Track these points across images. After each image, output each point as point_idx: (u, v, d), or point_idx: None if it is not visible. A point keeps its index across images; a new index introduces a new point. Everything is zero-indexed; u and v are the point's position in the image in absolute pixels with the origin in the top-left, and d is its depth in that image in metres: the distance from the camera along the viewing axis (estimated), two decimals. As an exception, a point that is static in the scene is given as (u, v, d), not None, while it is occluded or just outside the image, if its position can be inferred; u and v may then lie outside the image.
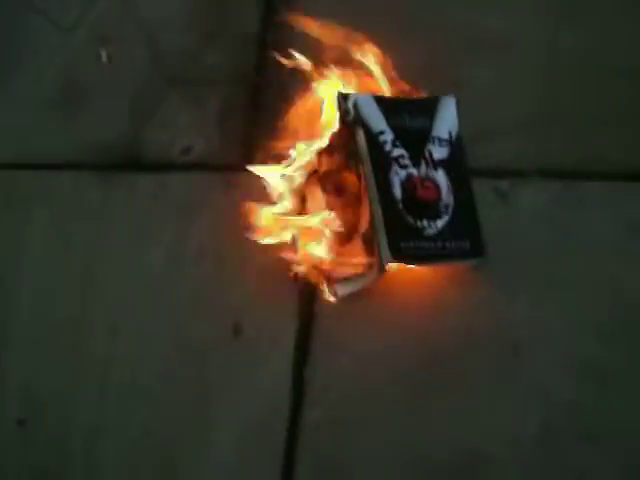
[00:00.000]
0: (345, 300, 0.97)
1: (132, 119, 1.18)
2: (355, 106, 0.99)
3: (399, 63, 1.07)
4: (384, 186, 0.96)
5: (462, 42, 1.11)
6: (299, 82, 1.10)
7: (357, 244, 0.96)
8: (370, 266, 0.95)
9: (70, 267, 1.09)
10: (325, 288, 0.98)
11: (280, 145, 1.07)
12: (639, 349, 0.90)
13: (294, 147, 1.02)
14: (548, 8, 1.13)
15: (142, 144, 1.16)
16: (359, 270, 0.96)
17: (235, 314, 1.01)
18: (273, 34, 1.19)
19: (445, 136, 1.00)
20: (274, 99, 1.13)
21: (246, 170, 1.07)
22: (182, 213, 1.09)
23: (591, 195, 0.99)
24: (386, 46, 1.08)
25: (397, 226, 0.94)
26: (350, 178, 0.98)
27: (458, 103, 1.02)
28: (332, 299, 0.97)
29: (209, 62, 1.20)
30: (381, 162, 0.97)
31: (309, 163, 1.00)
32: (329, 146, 0.99)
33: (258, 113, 1.14)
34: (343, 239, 0.97)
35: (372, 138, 0.98)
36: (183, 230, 1.08)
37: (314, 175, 1.00)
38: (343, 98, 1.00)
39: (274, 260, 1.01)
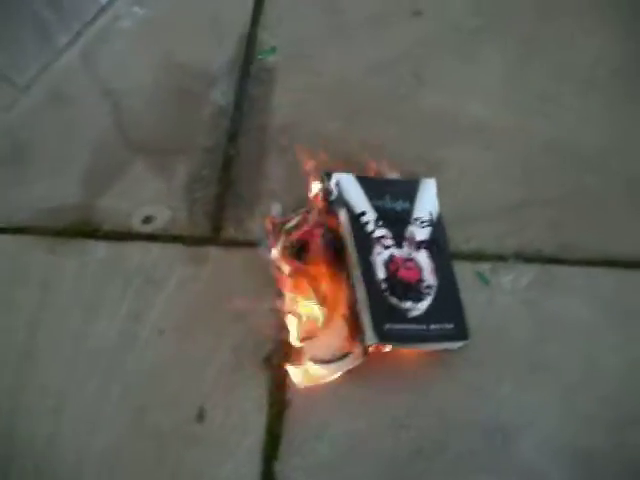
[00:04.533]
0: (322, 385, 0.98)
1: (89, 184, 1.19)
2: (338, 185, 1.05)
3: (378, 147, 1.16)
4: (367, 266, 1.00)
5: (440, 126, 1.20)
6: (275, 153, 1.17)
7: (338, 325, 0.98)
8: (351, 348, 0.97)
9: (9, 338, 1.05)
10: (297, 372, 0.99)
11: (253, 219, 1.11)
12: (627, 437, 0.95)
13: (269, 222, 1.06)
14: (520, 97, 1.24)
15: (99, 210, 1.16)
16: (339, 352, 0.97)
17: (199, 397, 0.99)
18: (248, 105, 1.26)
19: (426, 217, 1.07)
20: (247, 170, 1.18)
21: (214, 244, 1.11)
22: (141, 286, 1.09)
23: (569, 280, 1.06)
24: (364, 131, 1.18)
25: (381, 307, 0.98)
26: (332, 257, 1.01)
27: (438, 185, 1.10)
28: (303, 385, 0.98)
29: (178, 130, 1.24)
30: (364, 242, 1.02)
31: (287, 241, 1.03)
32: (310, 224, 1.03)
33: (229, 184, 1.17)
34: (323, 319, 0.99)
35: (355, 218, 1.03)
36: (142, 304, 1.07)
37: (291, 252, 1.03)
38: (326, 177, 1.05)
39: (244, 340, 1.02)
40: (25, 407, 1.00)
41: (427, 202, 1.08)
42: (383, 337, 0.95)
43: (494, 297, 1.05)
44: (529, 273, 1.06)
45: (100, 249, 1.13)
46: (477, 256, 1.08)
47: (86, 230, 1.15)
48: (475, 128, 1.21)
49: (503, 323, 1.03)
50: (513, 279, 1.06)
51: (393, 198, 1.07)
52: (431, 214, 1.07)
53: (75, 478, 0.95)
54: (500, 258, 1.08)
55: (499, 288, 1.06)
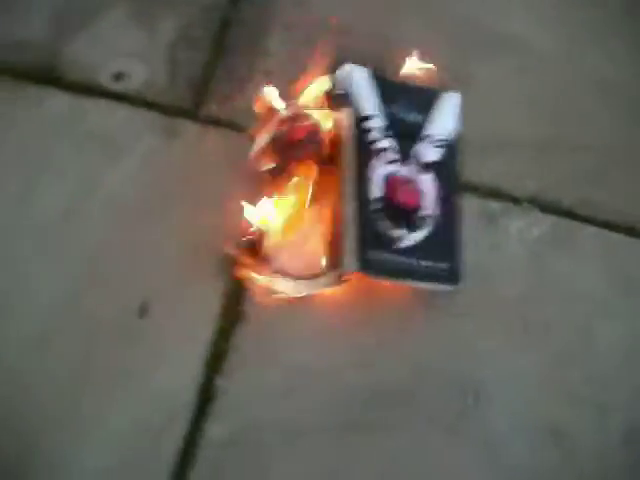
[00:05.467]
0: (284, 303, 0.87)
1: (58, 23, 1.02)
2: (348, 78, 0.90)
3: (400, 45, 1.00)
4: (362, 179, 0.87)
5: (476, 36, 1.05)
6: (280, 28, 1.01)
7: (316, 240, 0.87)
8: (326, 269, 0.86)
9: None
10: (260, 283, 0.87)
11: (242, 98, 0.96)
12: (608, 423, 0.87)
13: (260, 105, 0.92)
14: (578, 22, 1.08)
15: (65, 56, 1.00)
16: (311, 270, 0.86)
17: (143, 290, 0.88)
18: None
19: (441, 136, 0.93)
20: (245, 41, 1.02)
21: (192, 119, 0.96)
22: (99, 152, 0.95)
23: (585, 240, 0.95)
24: (387, 25, 1.03)
25: (369, 230, 0.86)
26: (324, 160, 0.88)
27: (462, 102, 0.95)
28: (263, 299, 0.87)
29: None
30: (364, 151, 0.88)
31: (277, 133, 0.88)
32: (307, 117, 0.89)
33: (221, 53, 1.01)
34: (301, 230, 0.87)
35: (359, 120, 0.89)
36: (97, 171, 0.93)
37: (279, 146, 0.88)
38: (337, 65, 0.90)
39: (205, 235, 0.90)
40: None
41: (446, 119, 0.93)
42: (364, 266, 0.84)
43: (498, 242, 0.93)
44: (543, 224, 0.95)
45: (59, 101, 0.97)
46: (489, 192, 0.96)
47: (47, 76, 0.99)
48: (516, 46, 1.05)
49: (502, 272, 0.92)
50: (524, 226, 0.94)
51: (408, 106, 0.92)
52: (448, 133, 0.93)
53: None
54: (514, 200, 0.96)
55: (506, 233, 0.94)
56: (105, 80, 0.99)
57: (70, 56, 1.01)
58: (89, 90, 0.99)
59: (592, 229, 0.95)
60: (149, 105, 0.98)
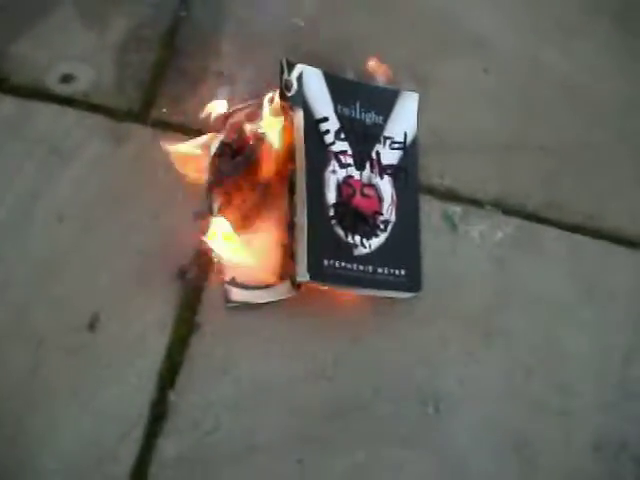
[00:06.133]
0: (239, 313, 0.85)
1: (2, 23, 0.98)
2: (300, 79, 0.87)
3: (357, 43, 0.99)
4: (316, 184, 0.84)
5: (436, 33, 1.02)
6: (232, 26, 0.99)
7: (270, 248, 0.84)
8: (281, 278, 0.83)
9: None
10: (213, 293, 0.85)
11: (193, 101, 0.94)
12: (572, 427, 0.85)
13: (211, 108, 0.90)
14: (542, 22, 1.06)
15: (9, 58, 0.97)
16: (267, 279, 0.84)
17: (95, 303, 0.85)
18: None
19: (399, 138, 0.90)
20: (196, 41, 0.99)
21: (141, 122, 0.93)
22: (45, 157, 0.92)
23: (550, 243, 0.93)
24: (343, 23, 1.00)
25: (322, 238, 0.83)
26: (278, 166, 0.85)
27: (420, 102, 0.93)
28: (220, 306, 0.84)
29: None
30: (318, 154, 0.85)
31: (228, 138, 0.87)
32: (256, 120, 0.87)
33: (172, 54, 0.98)
34: (254, 239, 0.84)
35: (313, 123, 0.86)
36: (43, 180, 0.90)
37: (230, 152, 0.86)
38: (287, 67, 0.87)
39: (156, 245, 0.87)
40: None
41: (404, 120, 0.91)
42: (319, 275, 0.81)
43: (459, 246, 0.91)
44: (505, 227, 0.92)
45: (4, 105, 0.94)
46: (449, 195, 0.94)
47: (-10, 78, 0.97)
48: (476, 44, 1.03)
49: (463, 278, 0.90)
50: (486, 230, 0.92)
51: (364, 108, 0.89)
52: (405, 135, 0.90)
53: None
54: (475, 203, 0.93)
55: (467, 237, 0.92)
56: (52, 83, 0.96)
57: (15, 57, 0.97)
58: (35, 93, 0.95)
59: (557, 232, 0.93)
60: (97, 108, 0.95)
